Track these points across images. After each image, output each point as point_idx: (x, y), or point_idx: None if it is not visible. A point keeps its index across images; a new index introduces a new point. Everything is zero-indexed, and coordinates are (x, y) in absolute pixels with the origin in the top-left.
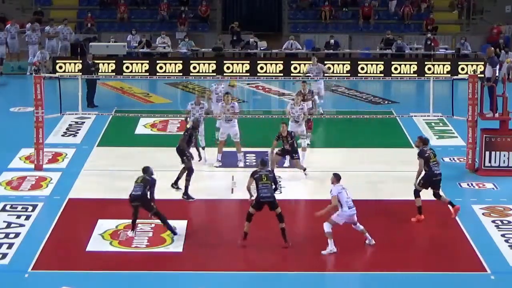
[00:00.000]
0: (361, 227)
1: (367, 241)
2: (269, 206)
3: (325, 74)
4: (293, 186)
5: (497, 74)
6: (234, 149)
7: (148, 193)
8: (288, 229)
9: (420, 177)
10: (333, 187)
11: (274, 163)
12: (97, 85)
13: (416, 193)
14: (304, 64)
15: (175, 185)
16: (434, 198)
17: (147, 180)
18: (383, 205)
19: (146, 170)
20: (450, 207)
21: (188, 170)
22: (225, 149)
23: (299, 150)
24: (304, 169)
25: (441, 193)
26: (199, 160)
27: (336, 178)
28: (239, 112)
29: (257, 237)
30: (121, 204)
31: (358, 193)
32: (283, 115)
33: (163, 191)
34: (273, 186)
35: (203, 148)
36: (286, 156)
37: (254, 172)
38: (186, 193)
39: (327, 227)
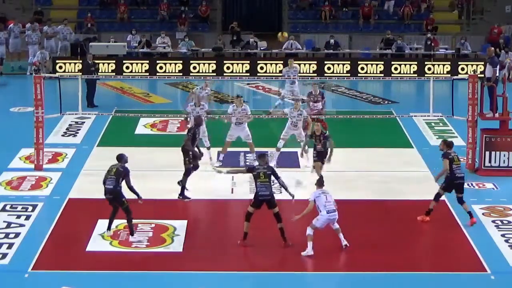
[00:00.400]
0: (337, 225)
1: (343, 244)
2: (267, 204)
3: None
4: (292, 186)
5: (497, 74)
6: (234, 149)
7: (121, 184)
8: (288, 229)
9: (442, 181)
10: (313, 192)
11: (320, 171)
12: (97, 85)
13: (437, 197)
14: (304, 64)
15: (181, 182)
16: (430, 198)
17: (120, 172)
18: (383, 205)
19: (120, 158)
20: (469, 217)
21: (187, 171)
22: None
23: (300, 152)
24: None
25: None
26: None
27: (318, 183)
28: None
29: (257, 237)
30: None
31: (358, 193)
32: (269, 115)
33: (163, 191)
34: (273, 183)
35: (208, 148)
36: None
37: (252, 168)
38: (182, 193)
39: (308, 230)
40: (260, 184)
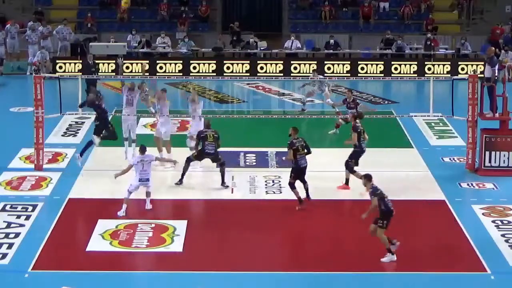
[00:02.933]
0: (150, 206)
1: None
2: (304, 172)
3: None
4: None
5: (496, 74)
6: (234, 149)
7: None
8: (287, 229)
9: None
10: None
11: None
12: (97, 85)
13: (349, 166)
14: (304, 64)
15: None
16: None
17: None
18: None
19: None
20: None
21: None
22: (225, 149)
23: None
24: None
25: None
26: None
27: (140, 149)
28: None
29: (257, 237)
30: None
31: (358, 193)
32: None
33: (164, 191)
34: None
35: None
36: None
37: (292, 143)
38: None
39: (126, 194)
40: (300, 156)
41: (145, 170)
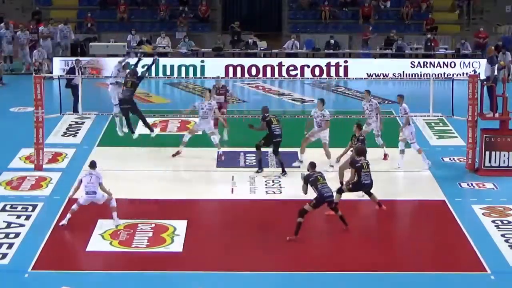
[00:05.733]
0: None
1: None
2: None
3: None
4: (292, 185)
5: (495, 73)
6: (234, 149)
7: None
8: (287, 229)
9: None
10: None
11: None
12: (98, 85)
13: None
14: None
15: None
16: (429, 198)
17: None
18: (383, 205)
19: None
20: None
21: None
22: (225, 149)
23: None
24: None
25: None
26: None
27: (90, 164)
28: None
29: (257, 237)
30: (121, 204)
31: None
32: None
33: (163, 191)
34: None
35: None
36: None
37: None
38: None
39: (73, 205)
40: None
41: (92, 182)
